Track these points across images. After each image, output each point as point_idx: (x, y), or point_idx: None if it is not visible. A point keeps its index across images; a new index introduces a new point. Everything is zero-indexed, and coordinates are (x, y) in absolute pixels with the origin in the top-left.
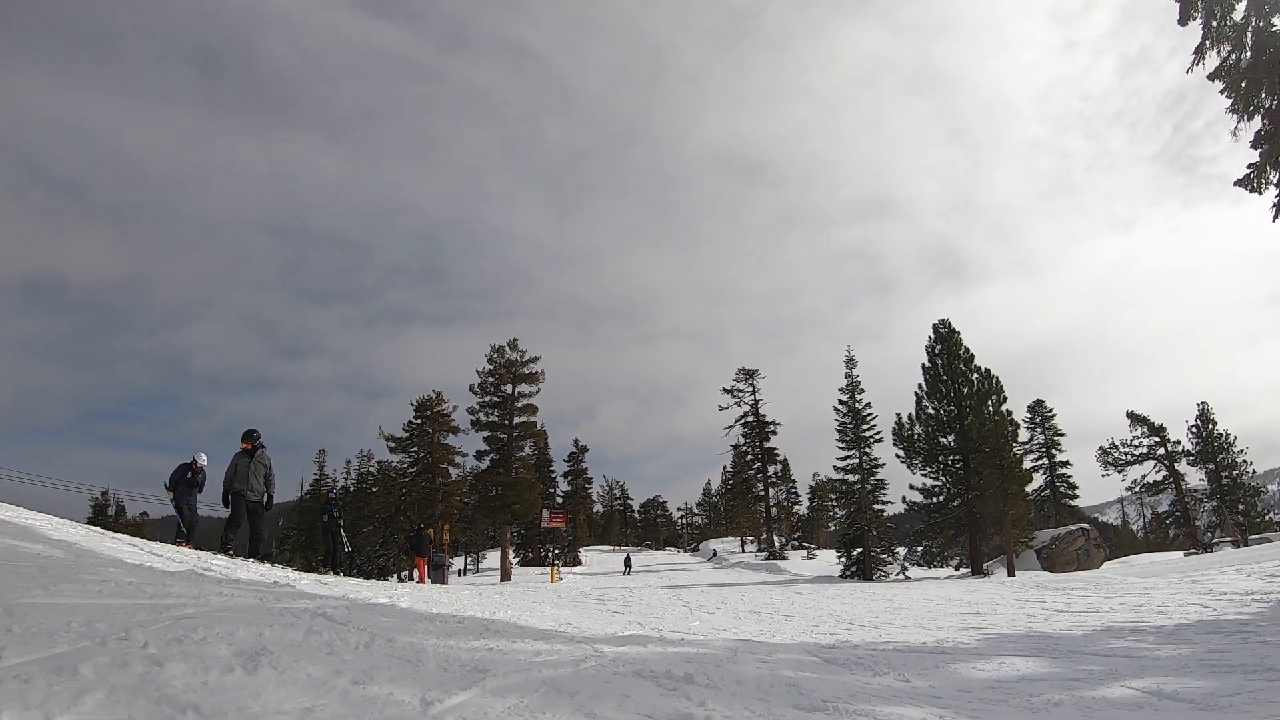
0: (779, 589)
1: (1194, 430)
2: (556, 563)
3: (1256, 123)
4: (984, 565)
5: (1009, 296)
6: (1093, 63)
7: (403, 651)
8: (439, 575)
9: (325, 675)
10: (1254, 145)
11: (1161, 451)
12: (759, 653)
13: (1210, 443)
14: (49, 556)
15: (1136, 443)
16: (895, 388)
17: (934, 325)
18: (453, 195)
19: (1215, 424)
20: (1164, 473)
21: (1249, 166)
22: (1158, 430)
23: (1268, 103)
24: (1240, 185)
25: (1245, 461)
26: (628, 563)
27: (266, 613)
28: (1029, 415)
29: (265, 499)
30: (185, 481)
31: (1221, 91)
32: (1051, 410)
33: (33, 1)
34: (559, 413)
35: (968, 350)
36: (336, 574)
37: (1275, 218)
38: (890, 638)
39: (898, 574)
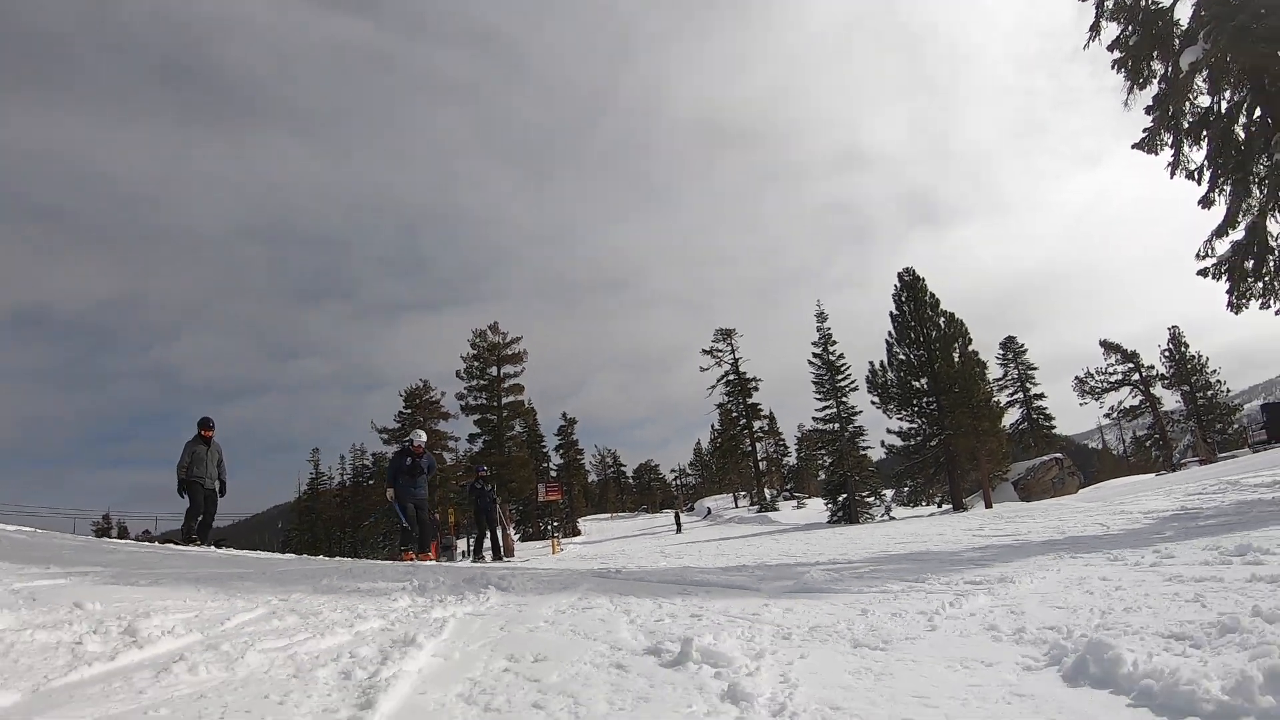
0: (759, 539)
1: (1167, 354)
2: (557, 535)
3: (1148, 93)
4: (964, 500)
5: (985, 236)
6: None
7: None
8: (449, 555)
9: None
10: (1148, 111)
11: (1136, 377)
12: (684, 572)
13: (1183, 366)
14: None
15: (1111, 370)
16: (879, 333)
17: (899, 273)
18: (428, 182)
19: (1187, 347)
20: (1140, 397)
21: (1144, 131)
22: (1131, 357)
23: (1160, 71)
24: (1138, 148)
25: (1219, 382)
26: (678, 520)
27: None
28: (1001, 352)
29: (220, 486)
30: (406, 470)
31: (1113, 65)
32: (1023, 346)
33: None
34: (553, 388)
35: (933, 295)
36: (500, 558)
37: (1172, 175)
38: (787, 561)
39: (882, 516)
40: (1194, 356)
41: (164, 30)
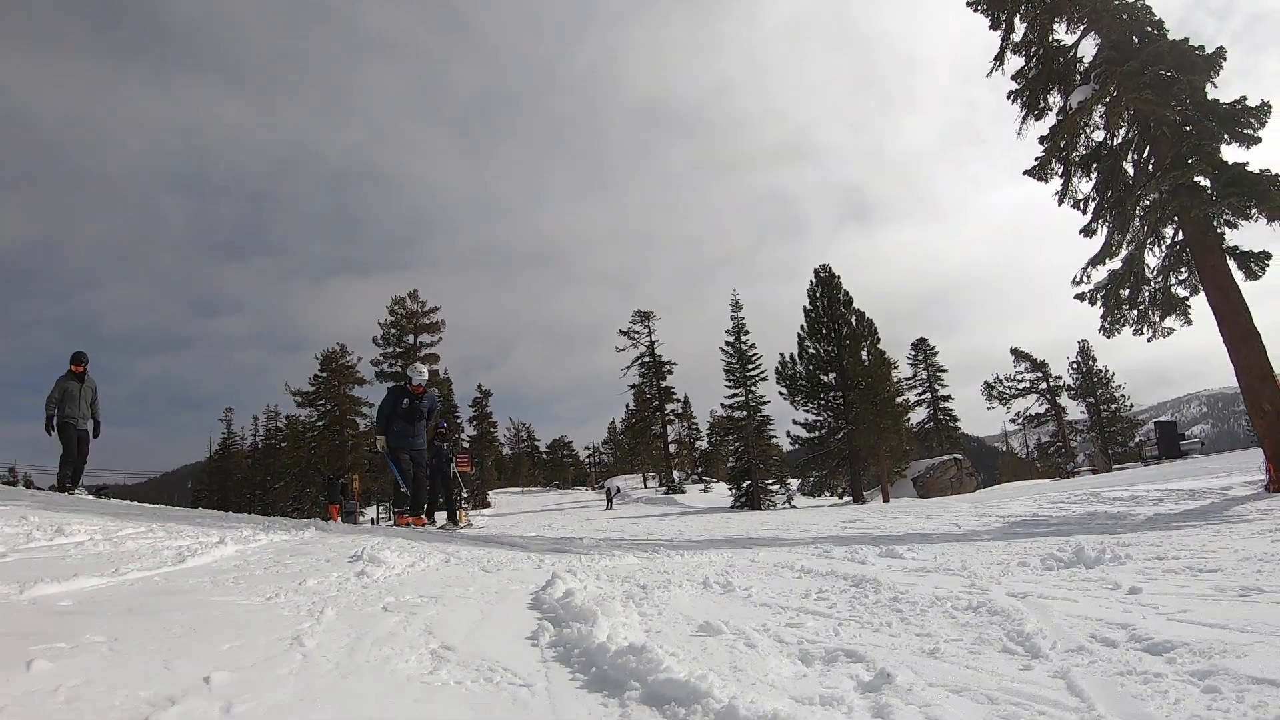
0: (649, 519)
1: (1075, 366)
2: (465, 506)
3: (1044, 124)
4: (864, 494)
5: (914, 238)
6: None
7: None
8: (351, 520)
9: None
10: (1041, 141)
11: (1044, 386)
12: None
13: (1090, 378)
14: None
15: (1020, 377)
16: (800, 326)
17: (815, 269)
18: (362, 141)
19: (1095, 361)
20: (1046, 405)
21: (1036, 159)
22: (1040, 366)
23: (1057, 104)
24: (1029, 174)
25: (1123, 396)
26: (609, 496)
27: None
28: (913, 353)
29: (94, 426)
30: (402, 414)
31: (1009, 96)
32: (934, 348)
33: None
34: (476, 357)
35: (847, 293)
36: (455, 524)
37: (1060, 203)
38: (633, 538)
39: (784, 504)
40: (1101, 370)
41: None
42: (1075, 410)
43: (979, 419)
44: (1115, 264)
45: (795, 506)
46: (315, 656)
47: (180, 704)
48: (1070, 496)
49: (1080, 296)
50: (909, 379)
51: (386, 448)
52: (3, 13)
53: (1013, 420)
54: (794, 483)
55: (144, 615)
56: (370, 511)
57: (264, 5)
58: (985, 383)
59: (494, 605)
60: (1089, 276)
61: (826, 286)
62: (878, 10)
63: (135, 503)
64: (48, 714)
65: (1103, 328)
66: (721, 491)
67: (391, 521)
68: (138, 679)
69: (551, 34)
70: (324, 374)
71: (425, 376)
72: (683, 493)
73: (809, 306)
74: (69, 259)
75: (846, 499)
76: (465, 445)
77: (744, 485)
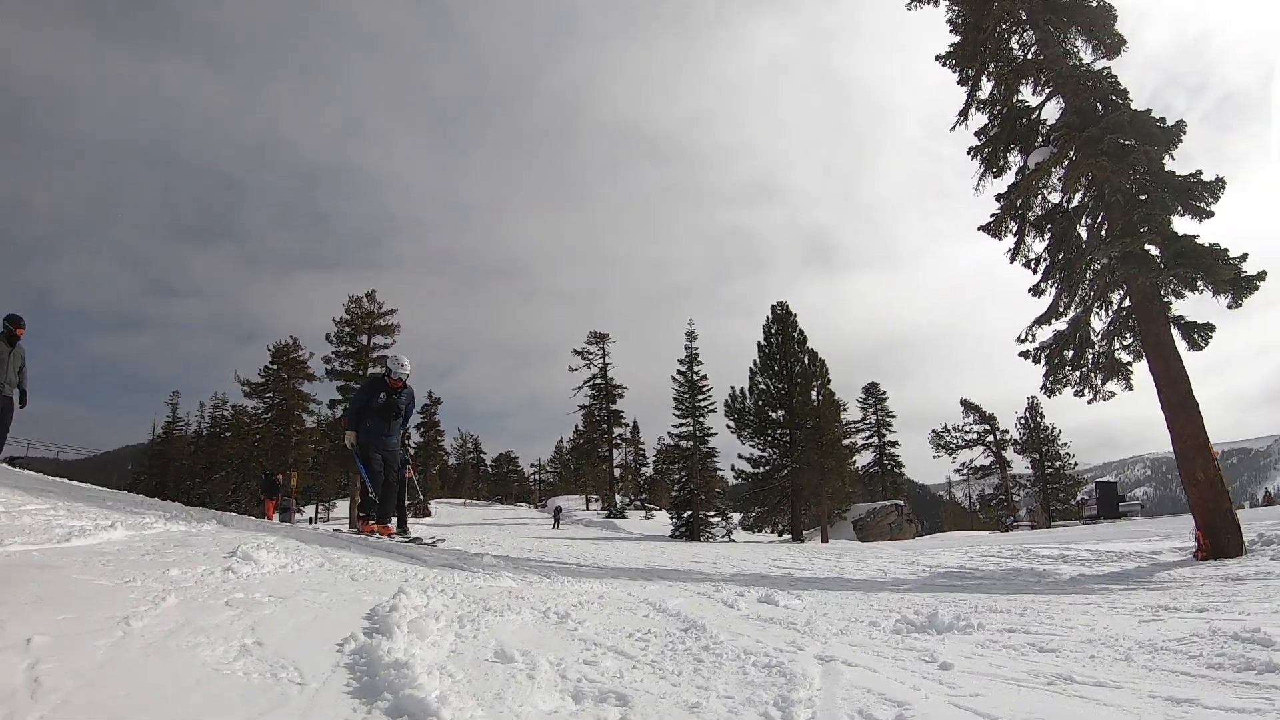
0: (582, 542)
1: (1022, 421)
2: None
3: (1002, 182)
4: (803, 533)
5: (875, 285)
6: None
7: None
8: (286, 518)
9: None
10: (998, 199)
11: (991, 439)
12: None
13: (1036, 434)
14: None
15: (968, 429)
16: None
17: (772, 306)
18: (333, 134)
19: (1042, 417)
20: (991, 458)
21: (992, 215)
22: (988, 419)
23: (1015, 165)
24: (983, 230)
25: (1068, 454)
26: (558, 515)
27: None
28: (863, 397)
29: (20, 396)
30: (377, 410)
31: (969, 152)
32: (885, 393)
33: None
34: (430, 365)
35: (802, 332)
36: (405, 531)
37: (1012, 260)
38: (547, 560)
39: (723, 537)
40: (1048, 428)
41: None
42: (1020, 464)
43: (925, 467)
44: (1061, 325)
45: (734, 540)
46: (135, 635)
47: None
48: (1002, 550)
49: (1025, 354)
50: (858, 422)
51: (356, 445)
52: None
53: (958, 470)
54: (735, 516)
55: (2, 584)
56: (309, 510)
57: None
58: (934, 431)
59: (332, 612)
60: (1034, 335)
61: (782, 324)
62: (857, 57)
63: (58, 479)
64: None
65: (1044, 386)
66: (663, 520)
67: (348, 528)
68: None
69: (536, 44)
70: (274, 366)
71: (408, 370)
72: (624, 518)
73: (763, 342)
74: (29, 221)
75: (786, 536)
76: (411, 452)
77: (685, 515)
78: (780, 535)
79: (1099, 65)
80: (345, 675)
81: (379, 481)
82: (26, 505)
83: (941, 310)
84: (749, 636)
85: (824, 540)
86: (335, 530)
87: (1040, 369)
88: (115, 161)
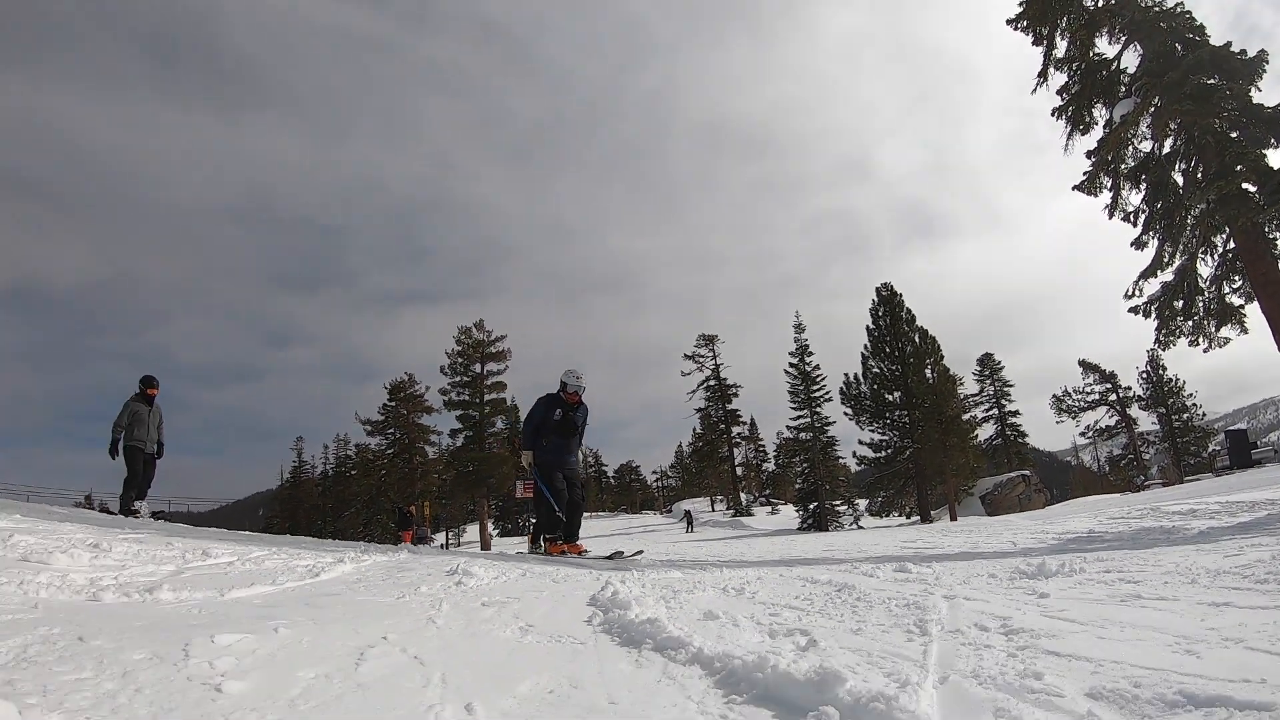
0: (714, 543)
1: (1144, 376)
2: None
3: (1091, 138)
4: (931, 513)
5: (979, 252)
6: None
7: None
8: (424, 545)
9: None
10: (1088, 155)
11: (1113, 397)
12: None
13: (1160, 388)
14: None
15: (1089, 389)
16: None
17: (877, 288)
18: (421, 172)
19: (1164, 370)
20: (1116, 417)
21: (1084, 173)
22: (1109, 377)
23: (1101, 119)
24: (1078, 189)
25: (1195, 405)
26: (689, 519)
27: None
28: (979, 368)
29: (158, 449)
30: (555, 427)
31: (1053, 113)
32: (1000, 363)
33: None
34: (543, 385)
35: (909, 311)
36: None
37: (1110, 216)
38: (691, 559)
39: (851, 525)
40: (1171, 380)
41: (158, 6)
42: (1146, 421)
43: (1050, 434)
44: (1167, 275)
45: (862, 527)
46: (444, 628)
47: (377, 647)
48: (1131, 511)
49: (1134, 310)
50: (975, 395)
51: (534, 465)
52: (62, 54)
53: (1083, 434)
54: (861, 503)
55: (318, 608)
56: (439, 538)
57: (317, 39)
58: (1054, 396)
59: (561, 602)
60: (1141, 289)
61: (889, 305)
62: (927, 24)
63: (222, 529)
64: (300, 654)
65: (1157, 340)
66: (789, 514)
67: (528, 549)
68: (342, 637)
69: (610, 62)
70: (393, 403)
71: (584, 383)
72: (750, 515)
73: (872, 326)
74: (140, 290)
75: (914, 518)
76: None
77: (811, 507)
78: (908, 518)
79: (1172, 3)
80: (607, 636)
81: (563, 501)
82: (254, 553)
83: (1050, 269)
84: (889, 590)
85: (952, 518)
86: (518, 552)
87: (1151, 323)
88: (213, 224)
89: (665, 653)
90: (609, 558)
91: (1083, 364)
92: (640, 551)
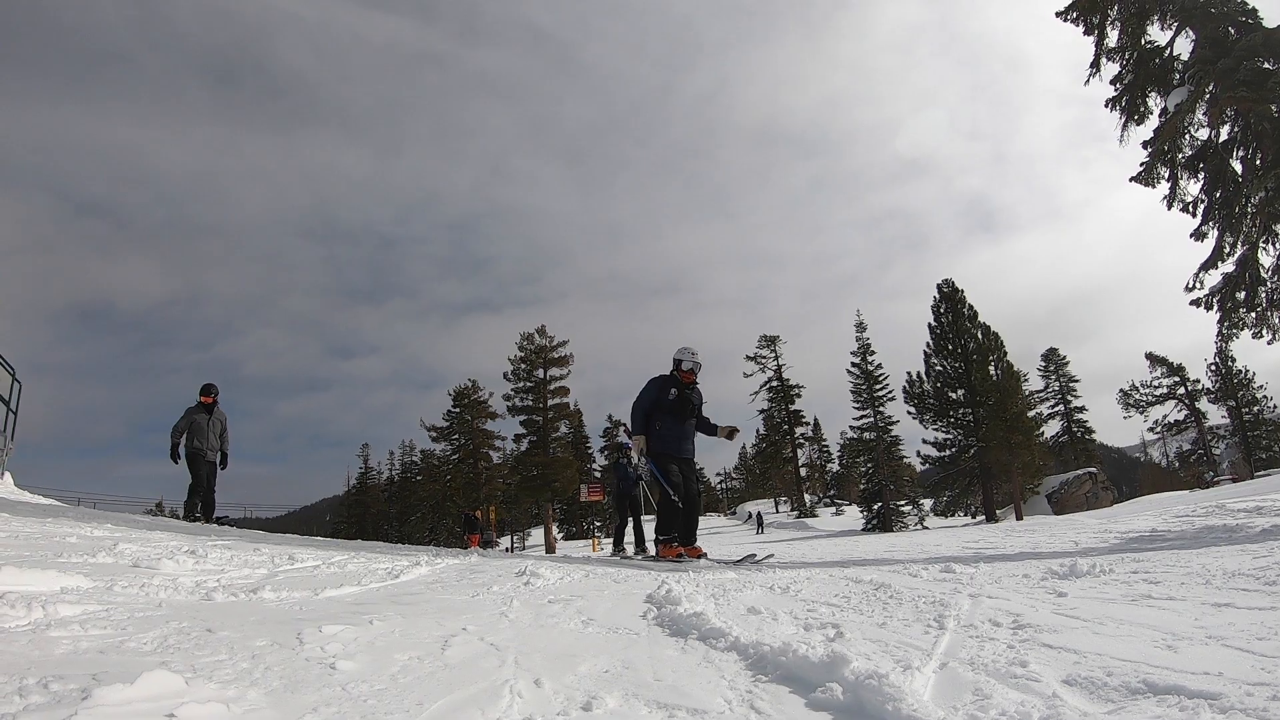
0: (777, 544)
1: (1213, 369)
2: (598, 534)
3: (1146, 128)
4: (996, 512)
5: (1042, 244)
6: None
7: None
8: (490, 549)
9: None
10: (1144, 146)
11: (1182, 391)
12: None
13: (1229, 381)
14: None
15: (1156, 383)
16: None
17: (938, 285)
18: (477, 181)
19: (1234, 362)
20: (1185, 412)
21: (1141, 164)
22: (1177, 370)
23: (1156, 108)
24: (1135, 181)
25: (1266, 398)
26: (760, 521)
27: None
28: (1043, 364)
29: (221, 457)
30: (670, 407)
31: (1106, 104)
32: (1065, 358)
33: (40, 28)
34: (606, 388)
35: (971, 308)
36: (643, 551)
37: (1169, 207)
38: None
39: (915, 525)
40: (1241, 372)
41: (211, 29)
42: (1216, 415)
43: (1118, 429)
44: (1228, 266)
45: (927, 528)
46: (515, 621)
47: (458, 636)
48: (1196, 509)
49: (1195, 303)
50: (1040, 391)
51: (645, 452)
52: (125, 77)
53: (1151, 429)
54: (927, 503)
55: (404, 605)
56: (504, 542)
57: (367, 54)
58: (1121, 390)
59: (621, 600)
60: (1202, 281)
61: (950, 301)
62: (982, 14)
63: (291, 535)
64: (395, 641)
65: (1219, 333)
66: (854, 514)
67: (608, 551)
68: (429, 629)
69: (659, 63)
70: (457, 409)
71: (699, 360)
72: (815, 516)
73: (934, 323)
74: (209, 306)
75: (980, 518)
76: (596, 476)
77: (875, 507)
78: (974, 518)
79: None
80: (659, 628)
81: (681, 494)
82: (336, 557)
83: (1115, 259)
84: (923, 589)
85: (1018, 518)
86: (621, 555)
87: (1214, 316)
88: (277, 239)
89: (708, 641)
90: (739, 562)
91: (1150, 357)
92: (771, 555)
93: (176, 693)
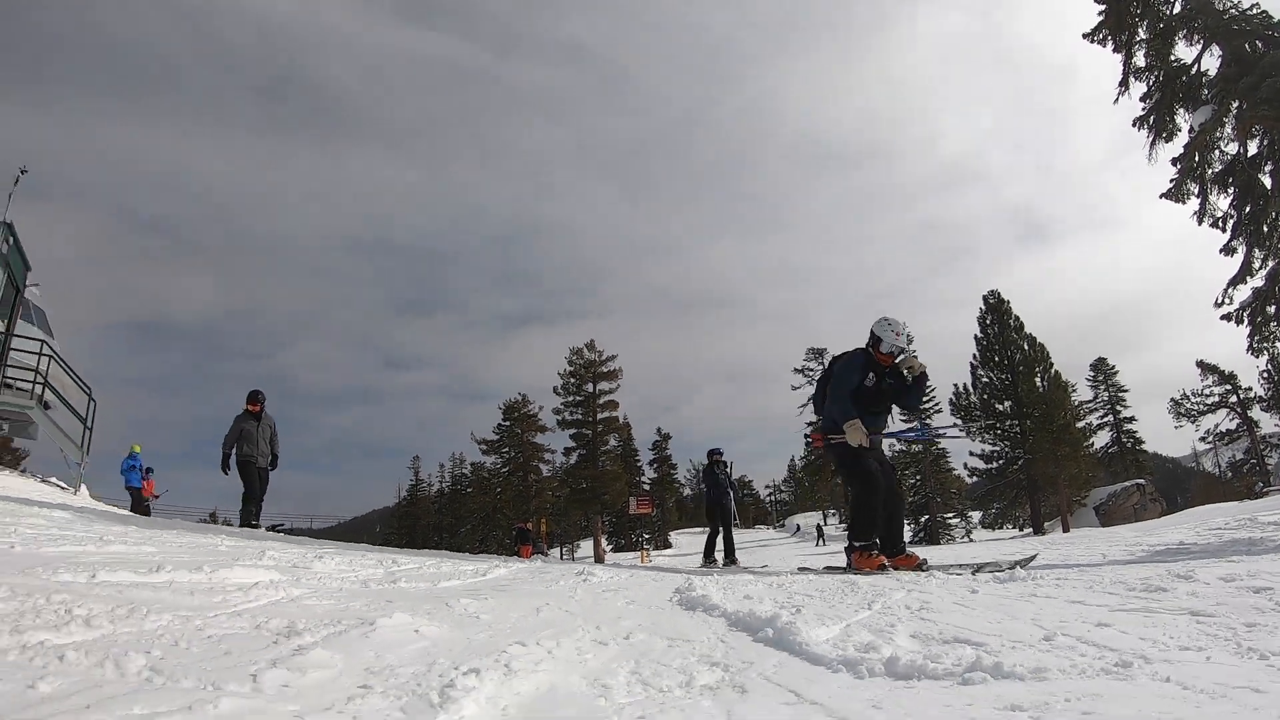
0: (821, 556)
1: (1266, 376)
2: (647, 546)
3: (1175, 145)
4: (1044, 524)
5: (1090, 252)
6: None
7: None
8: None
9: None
10: (1174, 163)
11: (1234, 399)
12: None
13: None
14: None
15: (1208, 392)
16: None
17: (984, 296)
18: (525, 195)
19: None
20: (1237, 420)
21: (1170, 180)
22: (1228, 378)
23: (1183, 126)
24: (1165, 198)
25: None
26: (820, 532)
27: None
28: (1091, 374)
29: (272, 461)
30: (868, 394)
31: (1133, 123)
32: (1114, 367)
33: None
34: (654, 400)
35: (1017, 318)
36: (734, 561)
37: (1199, 223)
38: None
39: (962, 538)
40: None
41: (261, 47)
42: (1269, 424)
43: (1170, 439)
44: (1258, 281)
45: (973, 540)
46: (580, 600)
47: (544, 607)
48: (1229, 523)
49: (1226, 317)
50: (1089, 402)
51: (829, 443)
52: (181, 95)
53: (1203, 438)
54: (975, 515)
55: (501, 591)
56: (554, 554)
57: (411, 70)
58: (1171, 399)
59: (656, 590)
60: (1232, 296)
61: (996, 312)
62: (1023, 23)
63: (357, 544)
64: (505, 608)
65: (1250, 348)
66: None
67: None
68: (525, 602)
69: (701, 79)
70: (507, 422)
71: (904, 340)
72: None
73: (979, 334)
74: (263, 318)
75: (1027, 530)
76: (645, 489)
77: (922, 519)
78: (1021, 530)
79: (1247, 3)
80: (678, 606)
81: (877, 493)
82: (427, 562)
83: (1164, 266)
84: (879, 584)
85: (1064, 530)
86: (710, 566)
87: (1244, 330)
88: (328, 253)
89: (709, 612)
90: (1010, 568)
91: (1201, 364)
92: (1033, 556)
93: (411, 623)
